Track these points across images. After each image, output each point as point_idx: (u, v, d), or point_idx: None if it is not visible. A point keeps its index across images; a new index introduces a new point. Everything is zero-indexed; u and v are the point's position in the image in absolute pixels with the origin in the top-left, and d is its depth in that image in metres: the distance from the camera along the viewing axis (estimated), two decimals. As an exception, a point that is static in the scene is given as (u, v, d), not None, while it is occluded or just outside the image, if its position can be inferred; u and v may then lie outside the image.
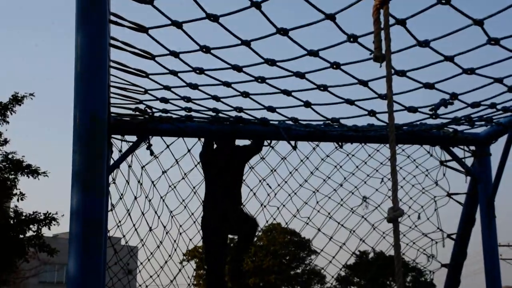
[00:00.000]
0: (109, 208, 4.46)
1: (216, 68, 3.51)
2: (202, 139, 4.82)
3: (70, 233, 2.49)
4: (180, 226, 4.93)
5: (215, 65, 3.45)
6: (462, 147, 4.71)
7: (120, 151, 4.38)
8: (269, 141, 4.79)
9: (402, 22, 2.96)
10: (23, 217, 13.68)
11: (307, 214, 5.07)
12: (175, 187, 4.82)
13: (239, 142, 5.09)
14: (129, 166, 4.56)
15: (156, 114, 4.23)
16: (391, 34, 2.44)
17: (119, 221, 4.61)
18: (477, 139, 4.63)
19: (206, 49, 3.24)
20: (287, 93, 3.76)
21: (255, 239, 5.06)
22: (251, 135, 4.55)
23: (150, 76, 3.55)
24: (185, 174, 4.85)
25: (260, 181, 4.98)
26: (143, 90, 3.78)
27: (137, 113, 4.18)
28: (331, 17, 2.91)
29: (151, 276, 4.87)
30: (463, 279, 4.92)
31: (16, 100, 14.07)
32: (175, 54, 3.30)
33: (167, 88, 3.73)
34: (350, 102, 3.81)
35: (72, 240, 2.46)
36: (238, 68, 3.46)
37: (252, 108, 4.08)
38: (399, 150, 4.75)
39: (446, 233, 4.90)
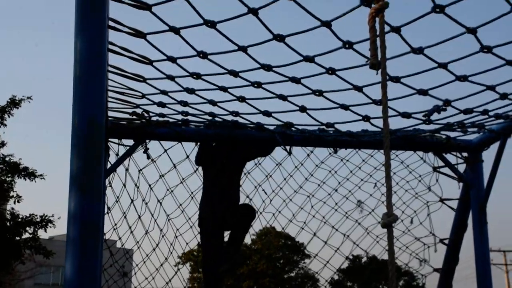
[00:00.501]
0: (105, 211, 4.47)
1: (213, 73, 3.54)
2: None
3: (68, 235, 2.51)
4: (177, 229, 4.95)
5: (212, 70, 3.48)
6: (454, 153, 4.76)
7: (117, 154, 4.40)
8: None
9: (397, 30, 3.00)
10: (19, 219, 13.64)
11: (302, 219, 5.12)
12: (172, 191, 4.84)
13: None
14: (126, 170, 4.58)
15: (153, 118, 4.25)
16: (386, 41, 2.48)
17: (115, 224, 4.63)
18: (469, 146, 4.68)
19: (203, 55, 3.27)
20: (283, 98, 3.80)
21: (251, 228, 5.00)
22: (247, 140, 4.57)
23: (147, 81, 3.58)
24: (183, 179, 4.87)
25: (255, 187, 5.02)
26: (140, 94, 3.80)
27: (134, 117, 4.20)
28: (327, 24, 2.95)
29: (146, 278, 4.89)
30: (455, 283, 4.97)
31: (14, 103, 14.03)
32: (172, 60, 3.33)
33: (164, 92, 3.75)
34: (345, 107, 3.85)
35: (69, 243, 2.48)
36: (234, 73, 3.50)
37: (248, 113, 4.11)
38: (393, 156, 4.80)
39: (439, 238, 4.96)
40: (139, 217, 4.74)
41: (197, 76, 3.52)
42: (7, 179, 13.78)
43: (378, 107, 3.76)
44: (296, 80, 3.52)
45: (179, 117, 4.25)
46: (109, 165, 4.38)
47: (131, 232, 4.70)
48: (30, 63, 53.65)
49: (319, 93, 3.65)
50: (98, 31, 2.66)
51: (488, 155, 4.65)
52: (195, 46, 3.20)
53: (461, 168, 4.78)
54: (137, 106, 4.03)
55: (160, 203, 4.84)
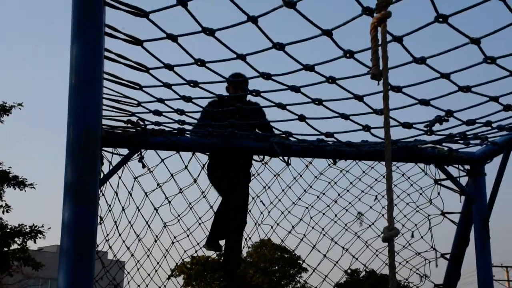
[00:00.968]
0: (98, 221, 4.39)
1: (211, 81, 3.48)
2: (197, 154, 4.73)
3: (61, 246, 2.47)
4: (173, 241, 4.87)
5: (209, 78, 3.43)
6: (457, 166, 4.68)
7: (111, 163, 4.32)
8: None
9: (399, 40, 2.95)
10: (8, 230, 13.44)
11: (301, 231, 5.06)
12: (170, 201, 4.77)
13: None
14: (119, 177, 4.50)
15: (149, 127, 4.18)
16: (388, 50, 2.42)
17: (107, 235, 4.56)
18: (472, 158, 4.61)
19: (201, 63, 3.21)
20: (282, 106, 3.73)
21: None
22: (245, 150, 4.51)
23: (143, 88, 3.51)
24: (180, 189, 4.78)
25: (253, 198, 4.99)
26: (136, 102, 3.73)
27: (129, 125, 4.13)
28: (328, 33, 2.90)
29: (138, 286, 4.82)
30: (456, 299, 4.86)
31: (4, 110, 13.92)
32: (169, 67, 3.27)
33: (160, 100, 3.68)
34: (345, 116, 3.78)
35: (63, 254, 2.43)
36: (233, 82, 3.43)
37: (247, 122, 4.04)
38: (394, 167, 4.73)
39: (440, 253, 4.86)
40: (134, 229, 4.67)
41: (194, 84, 3.45)
42: (-4, 188, 13.65)
43: (378, 116, 3.69)
44: (295, 89, 3.45)
45: (175, 125, 4.17)
46: (102, 175, 4.30)
47: (123, 242, 4.63)
48: (30, 64, 53.59)
49: (318, 102, 3.59)
50: (94, 38, 2.63)
51: (491, 168, 4.58)
52: (192, 53, 3.15)
53: (463, 181, 4.71)
54: (133, 114, 3.95)
55: (157, 211, 4.78)
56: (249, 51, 3.14)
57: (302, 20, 2.81)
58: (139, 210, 4.68)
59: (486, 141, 4.32)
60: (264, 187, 4.92)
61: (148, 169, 4.54)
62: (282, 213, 5.00)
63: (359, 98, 3.51)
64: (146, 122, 4.12)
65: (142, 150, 4.38)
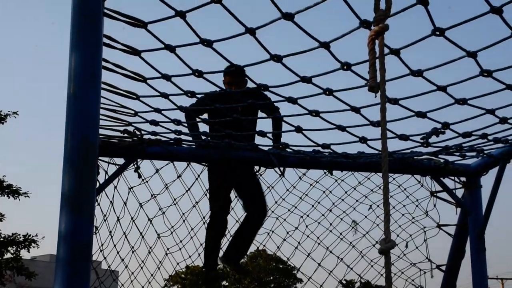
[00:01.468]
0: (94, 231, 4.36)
1: (208, 92, 3.48)
2: (193, 164, 4.72)
3: (57, 257, 2.44)
4: (166, 253, 4.85)
5: (206, 88, 3.43)
6: (453, 178, 4.69)
7: (107, 173, 4.31)
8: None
9: (396, 52, 2.96)
10: (1, 239, 13.34)
11: (295, 241, 5.07)
12: (164, 212, 4.77)
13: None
14: (115, 187, 4.48)
15: (145, 137, 4.17)
16: (385, 62, 2.43)
17: (102, 244, 4.54)
18: (468, 171, 4.61)
19: (198, 73, 3.21)
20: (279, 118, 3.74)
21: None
22: (242, 160, 4.50)
23: (140, 98, 3.51)
24: (174, 199, 4.77)
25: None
26: (133, 112, 3.73)
27: (125, 135, 4.12)
28: (325, 45, 2.91)
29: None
30: (451, 311, 4.85)
31: None
32: (167, 78, 3.27)
33: (157, 110, 3.68)
34: (342, 128, 3.78)
35: (59, 264, 2.41)
36: (230, 93, 3.44)
37: (243, 133, 4.04)
38: (390, 179, 4.73)
39: (435, 264, 4.87)
40: (128, 239, 4.65)
41: (191, 94, 3.45)
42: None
43: (375, 128, 3.70)
44: (293, 100, 3.46)
45: (172, 135, 4.17)
46: (98, 184, 4.28)
47: (117, 253, 4.62)
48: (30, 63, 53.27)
49: (315, 113, 3.59)
50: (93, 48, 2.63)
51: (487, 180, 4.58)
52: (189, 62, 3.15)
53: (459, 193, 4.71)
54: (129, 124, 3.95)
55: (151, 222, 4.77)
56: (247, 62, 3.16)
57: (299, 32, 2.83)
58: (133, 221, 4.67)
59: (482, 153, 4.33)
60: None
61: (143, 179, 4.53)
62: (277, 219, 5.05)
63: (356, 110, 3.52)
64: (143, 132, 4.11)
65: (138, 160, 4.37)
